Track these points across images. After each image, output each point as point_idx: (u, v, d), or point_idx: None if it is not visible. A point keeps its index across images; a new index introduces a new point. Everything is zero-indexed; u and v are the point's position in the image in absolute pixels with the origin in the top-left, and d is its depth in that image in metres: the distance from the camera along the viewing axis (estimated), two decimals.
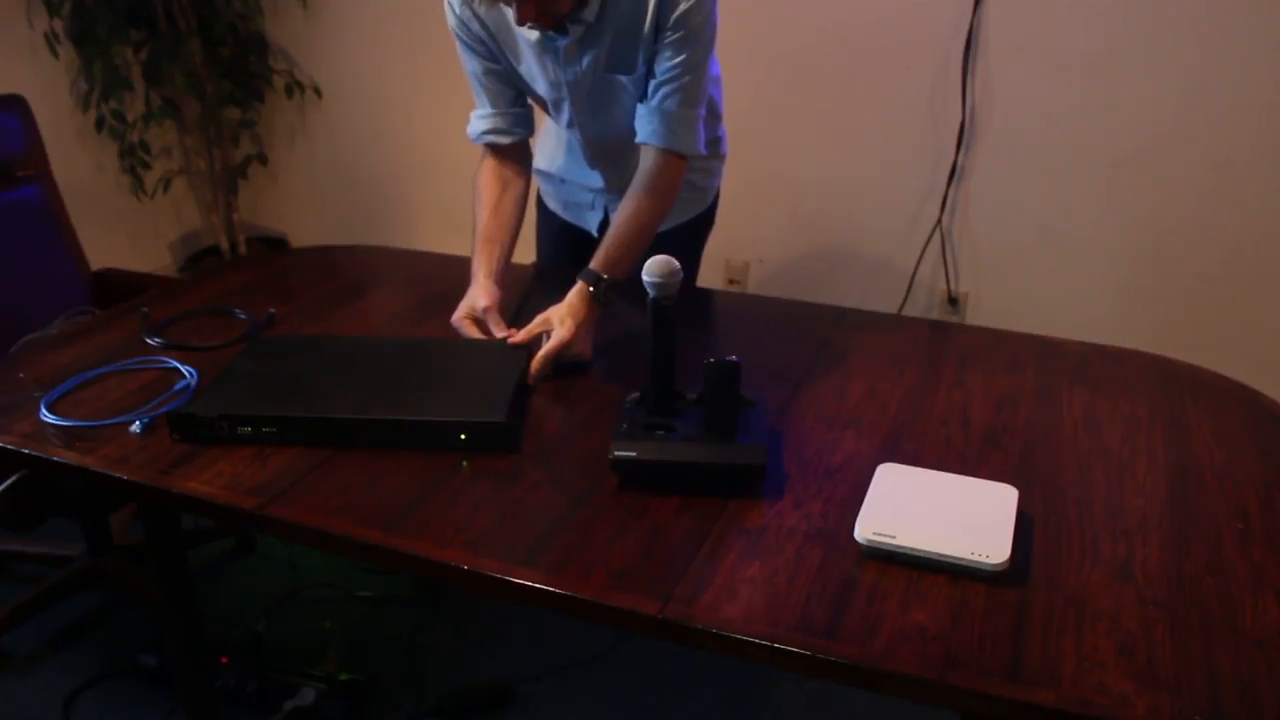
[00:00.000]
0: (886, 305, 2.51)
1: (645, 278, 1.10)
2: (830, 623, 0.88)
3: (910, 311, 2.51)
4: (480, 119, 1.57)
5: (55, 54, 2.67)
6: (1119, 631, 0.87)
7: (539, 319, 1.34)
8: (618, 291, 1.38)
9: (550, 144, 1.74)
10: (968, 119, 2.32)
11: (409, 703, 1.79)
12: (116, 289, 2.13)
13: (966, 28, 2.24)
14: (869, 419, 1.23)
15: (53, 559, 2.03)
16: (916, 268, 2.48)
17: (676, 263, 1.10)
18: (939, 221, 2.43)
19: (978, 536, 0.95)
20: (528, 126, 1.59)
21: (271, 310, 1.55)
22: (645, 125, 1.42)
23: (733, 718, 1.77)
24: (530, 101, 1.59)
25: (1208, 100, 2.12)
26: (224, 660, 1.83)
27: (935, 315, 2.52)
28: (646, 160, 1.43)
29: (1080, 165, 2.27)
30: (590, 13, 1.37)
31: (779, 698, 1.80)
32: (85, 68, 2.74)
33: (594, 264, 1.37)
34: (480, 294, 1.41)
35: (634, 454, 1.07)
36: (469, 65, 1.53)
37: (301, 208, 3.29)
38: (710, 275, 2.41)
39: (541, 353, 1.29)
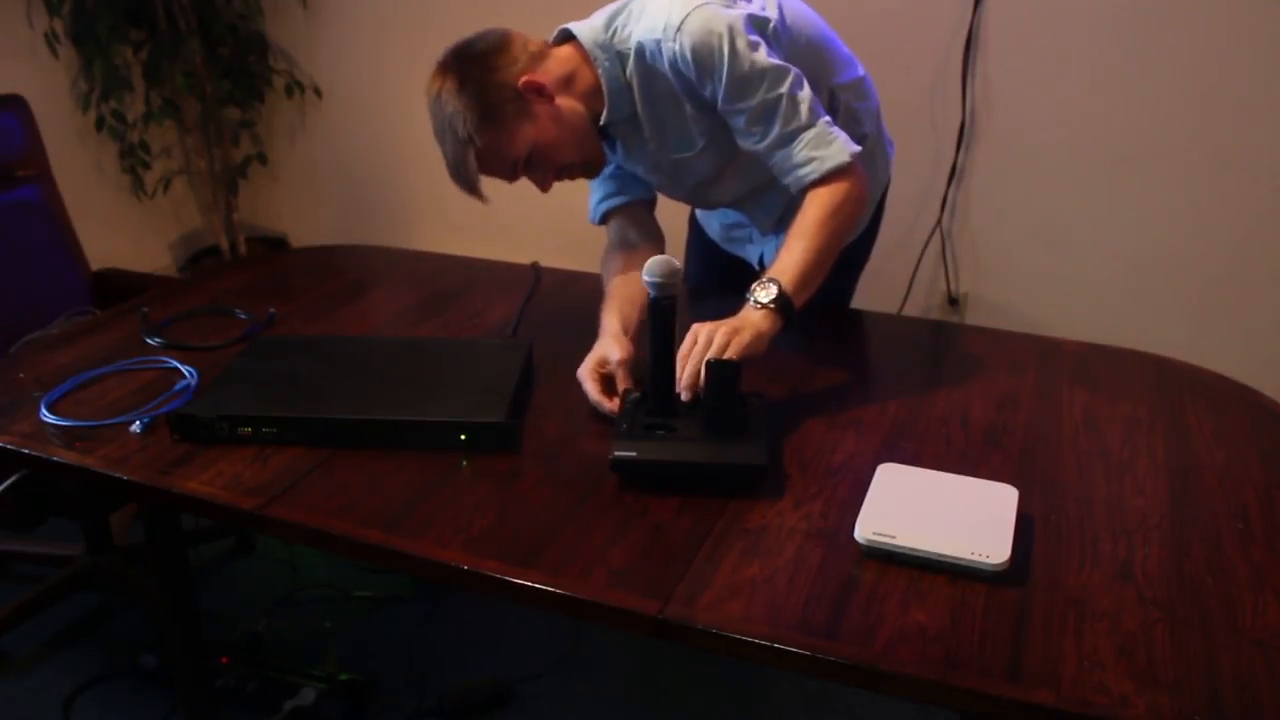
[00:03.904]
0: (886, 305, 2.51)
1: (645, 278, 1.10)
2: (830, 623, 0.88)
3: (910, 311, 2.51)
4: (594, 194, 1.50)
5: (55, 54, 2.67)
6: (1119, 631, 0.87)
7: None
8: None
9: None
10: (968, 119, 2.32)
11: (409, 703, 1.79)
12: (116, 289, 2.13)
13: (966, 28, 2.24)
14: (869, 419, 1.23)
15: (53, 559, 2.03)
16: (916, 268, 2.48)
17: (677, 262, 1.10)
18: (939, 221, 2.43)
19: (978, 536, 0.95)
20: (649, 191, 1.50)
21: (271, 310, 1.55)
22: (786, 178, 1.29)
23: (733, 718, 1.77)
24: None
25: (1208, 100, 2.12)
26: (224, 660, 1.83)
27: (935, 315, 2.52)
28: (811, 195, 1.27)
29: (1080, 165, 2.27)
30: (615, 114, 1.32)
31: (779, 698, 1.80)
32: (85, 68, 2.73)
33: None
34: (614, 345, 1.25)
35: (634, 454, 1.07)
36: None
37: (301, 208, 3.29)
38: None
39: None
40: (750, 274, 1.64)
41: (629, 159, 1.44)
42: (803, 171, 1.27)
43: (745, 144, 1.30)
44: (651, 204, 1.53)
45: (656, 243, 1.49)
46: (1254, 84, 2.07)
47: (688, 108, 1.32)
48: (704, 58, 1.23)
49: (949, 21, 2.26)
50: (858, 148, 1.28)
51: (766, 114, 1.25)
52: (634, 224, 1.50)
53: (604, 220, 1.52)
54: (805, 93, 1.26)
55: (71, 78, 2.77)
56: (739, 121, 1.28)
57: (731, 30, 1.21)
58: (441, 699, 1.78)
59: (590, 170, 1.40)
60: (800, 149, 1.26)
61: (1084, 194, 2.29)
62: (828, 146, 1.26)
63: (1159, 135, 2.18)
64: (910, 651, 0.85)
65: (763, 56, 1.23)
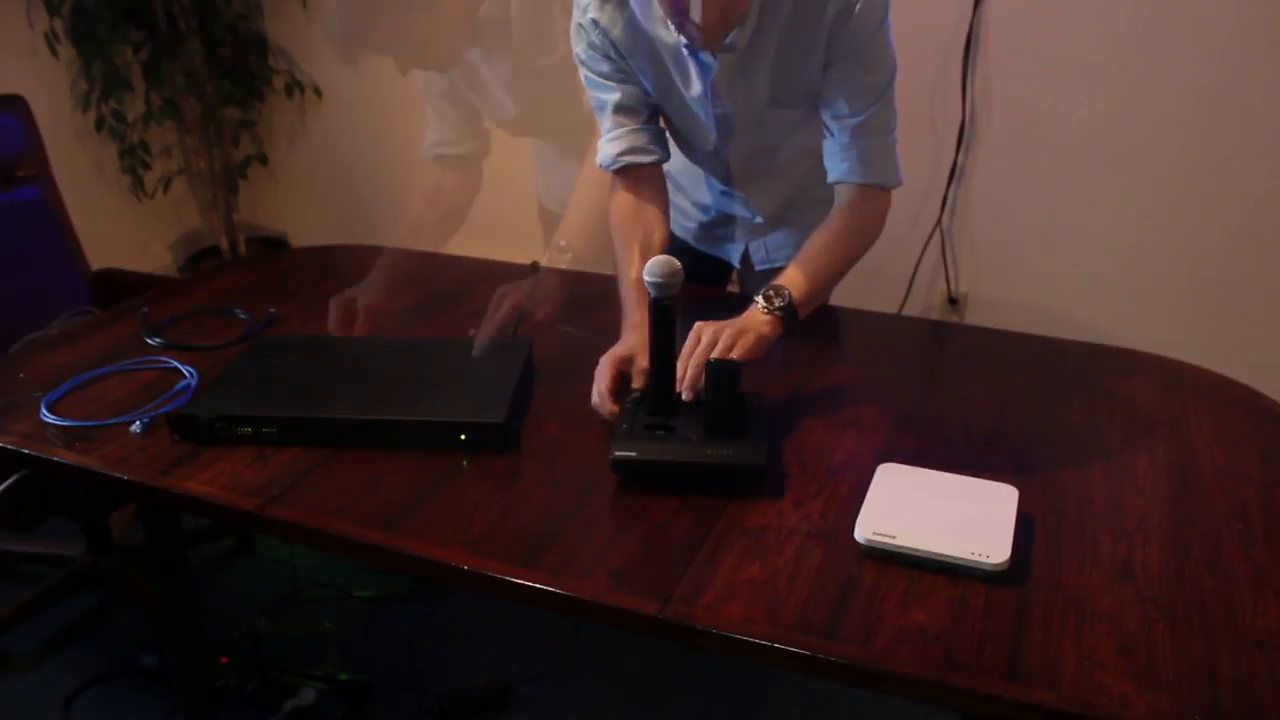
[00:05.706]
0: (886, 305, 2.51)
1: (646, 278, 1.10)
2: (830, 623, 0.88)
3: (910, 311, 2.51)
4: (612, 140, 1.38)
5: (55, 54, 2.67)
6: (1119, 631, 0.87)
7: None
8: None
9: (679, 167, 1.58)
10: (968, 119, 2.32)
11: (409, 703, 1.79)
12: (116, 289, 2.13)
13: (966, 28, 2.24)
14: (869, 419, 1.23)
15: (53, 559, 2.03)
16: (916, 268, 2.48)
17: (677, 262, 1.10)
18: (939, 221, 2.43)
19: (978, 536, 0.95)
20: (666, 148, 1.41)
21: (271, 310, 1.55)
22: (838, 164, 1.30)
23: (733, 718, 1.77)
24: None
25: (1208, 100, 2.12)
26: (224, 660, 1.83)
27: (935, 315, 2.52)
28: (844, 198, 1.31)
29: (1080, 165, 2.27)
30: (741, 38, 1.21)
31: (779, 698, 1.80)
32: (85, 68, 2.74)
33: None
34: (644, 351, 1.20)
35: (634, 454, 1.07)
36: (604, 97, 1.36)
37: (301, 208, 3.29)
38: None
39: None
40: (720, 270, 1.66)
41: (711, 92, 1.31)
42: (856, 168, 1.28)
43: (828, 112, 1.29)
44: (664, 162, 1.44)
45: (666, 217, 1.41)
46: (1253, 84, 2.07)
47: (819, 62, 1.25)
48: (870, 13, 1.20)
49: (949, 21, 2.26)
50: (904, 179, 1.31)
51: (871, 98, 1.26)
52: (649, 190, 1.40)
53: (619, 172, 1.41)
54: (895, 106, 1.28)
55: (71, 78, 2.77)
56: (844, 91, 1.26)
57: (888, 6, 1.22)
58: (441, 699, 1.78)
59: (723, 24, 1.17)
60: (867, 148, 1.28)
61: (1084, 193, 2.29)
62: (886, 161, 1.30)
63: (1158, 134, 2.18)
64: (910, 651, 0.85)
65: (894, 51, 1.25)
